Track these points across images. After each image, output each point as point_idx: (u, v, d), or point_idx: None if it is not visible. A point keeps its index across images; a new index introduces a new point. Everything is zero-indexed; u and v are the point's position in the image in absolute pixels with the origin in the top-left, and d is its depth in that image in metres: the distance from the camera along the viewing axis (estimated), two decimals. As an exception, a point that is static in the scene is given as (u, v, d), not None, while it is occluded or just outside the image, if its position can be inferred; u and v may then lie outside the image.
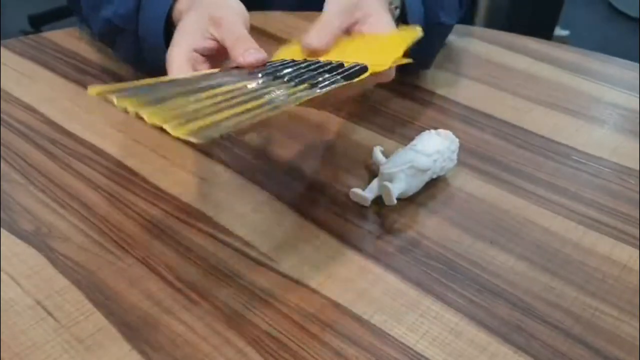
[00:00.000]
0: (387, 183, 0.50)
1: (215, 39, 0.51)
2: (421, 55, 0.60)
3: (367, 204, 0.52)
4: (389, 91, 0.71)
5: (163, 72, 0.50)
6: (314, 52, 0.51)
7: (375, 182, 0.53)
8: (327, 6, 0.54)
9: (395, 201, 0.50)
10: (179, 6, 0.57)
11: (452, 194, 0.55)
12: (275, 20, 0.84)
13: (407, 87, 0.72)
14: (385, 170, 0.52)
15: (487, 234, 0.51)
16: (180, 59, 0.50)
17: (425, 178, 0.53)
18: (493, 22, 2.61)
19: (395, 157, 0.53)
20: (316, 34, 0.52)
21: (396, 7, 0.60)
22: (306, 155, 0.59)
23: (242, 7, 0.54)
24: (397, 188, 0.51)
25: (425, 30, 0.59)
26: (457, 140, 0.56)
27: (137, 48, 0.62)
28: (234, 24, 0.51)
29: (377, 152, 0.55)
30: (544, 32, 2.37)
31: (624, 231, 0.52)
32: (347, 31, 0.54)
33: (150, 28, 0.58)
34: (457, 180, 0.57)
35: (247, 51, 0.49)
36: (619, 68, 0.81)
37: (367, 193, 0.52)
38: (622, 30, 3.00)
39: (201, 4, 0.54)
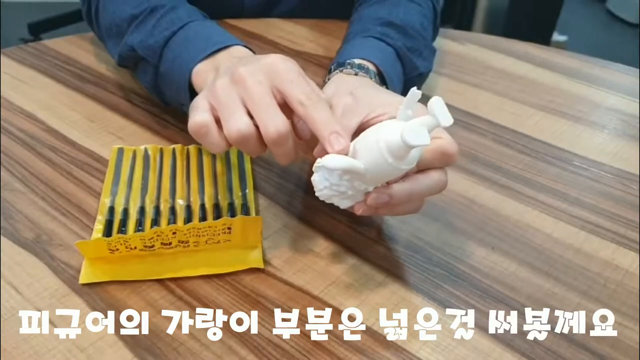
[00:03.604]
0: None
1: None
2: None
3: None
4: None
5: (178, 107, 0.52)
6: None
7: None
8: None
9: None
10: (203, 67, 0.54)
11: (453, 200, 0.55)
12: (275, 27, 0.84)
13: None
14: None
15: (488, 239, 0.51)
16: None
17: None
18: (491, 28, 2.62)
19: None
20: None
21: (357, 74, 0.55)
22: (306, 162, 0.59)
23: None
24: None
25: (405, 84, 0.59)
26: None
27: (155, 79, 0.61)
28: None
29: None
30: (542, 37, 2.38)
31: (625, 236, 0.52)
32: None
33: (175, 75, 0.57)
34: (458, 186, 0.57)
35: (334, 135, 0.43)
36: (619, 73, 0.81)
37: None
38: (620, 36, 3.02)
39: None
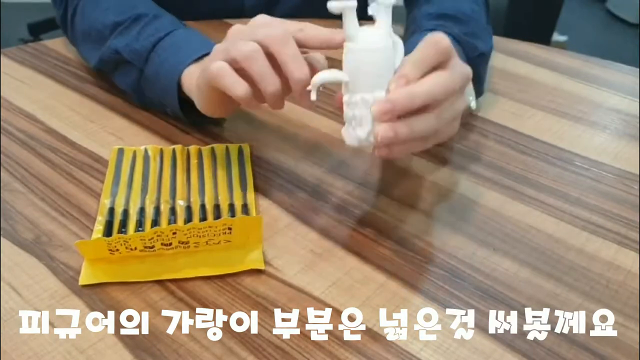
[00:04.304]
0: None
1: None
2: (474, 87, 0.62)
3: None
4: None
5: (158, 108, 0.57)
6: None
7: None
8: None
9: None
10: (194, 69, 0.58)
11: (454, 201, 0.55)
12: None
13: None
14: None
15: (490, 240, 0.51)
16: None
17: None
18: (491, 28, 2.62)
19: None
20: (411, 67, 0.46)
21: None
22: (307, 162, 0.59)
23: None
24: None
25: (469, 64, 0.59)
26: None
27: (138, 82, 0.63)
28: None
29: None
30: (542, 37, 2.38)
31: (627, 236, 0.52)
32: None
33: (163, 78, 0.60)
34: (459, 186, 0.56)
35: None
36: (619, 73, 0.81)
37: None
38: (620, 36, 3.01)
39: None
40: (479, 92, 0.69)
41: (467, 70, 0.50)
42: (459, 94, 0.48)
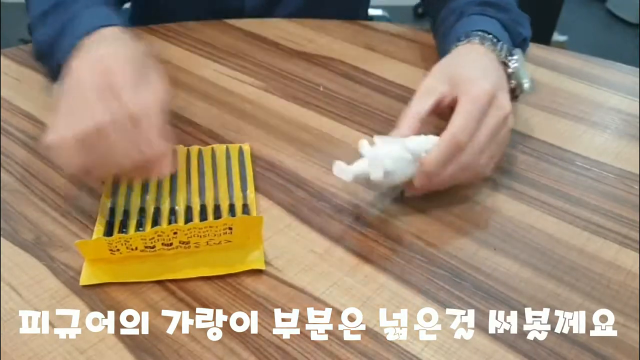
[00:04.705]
0: (375, 152, 0.49)
1: None
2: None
3: (349, 178, 0.49)
4: (393, 98, 0.70)
5: None
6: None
7: (362, 160, 0.50)
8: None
9: (382, 175, 0.48)
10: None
11: (455, 201, 0.55)
12: (276, 27, 0.84)
13: (409, 93, 0.71)
14: (381, 139, 0.50)
15: (491, 240, 0.51)
16: None
17: (413, 169, 0.50)
18: (491, 28, 2.61)
19: (388, 138, 0.51)
20: (405, 123, 0.53)
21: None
22: (308, 163, 0.59)
23: None
24: (387, 164, 0.49)
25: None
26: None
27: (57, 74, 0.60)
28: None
29: (365, 143, 0.51)
30: (542, 37, 2.38)
31: (628, 236, 0.52)
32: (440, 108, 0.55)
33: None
34: (460, 187, 0.56)
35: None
36: (620, 73, 0.81)
37: (355, 166, 0.49)
38: (620, 36, 3.01)
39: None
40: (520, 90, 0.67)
41: (504, 111, 0.53)
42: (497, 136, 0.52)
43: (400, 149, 0.50)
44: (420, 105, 0.54)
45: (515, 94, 0.61)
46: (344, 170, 0.49)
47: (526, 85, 0.61)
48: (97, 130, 0.44)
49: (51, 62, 0.60)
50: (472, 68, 0.56)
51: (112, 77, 0.46)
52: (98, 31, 0.54)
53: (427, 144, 0.51)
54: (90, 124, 0.44)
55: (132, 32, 0.55)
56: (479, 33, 0.60)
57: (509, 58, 0.60)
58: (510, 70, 0.59)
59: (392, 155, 0.49)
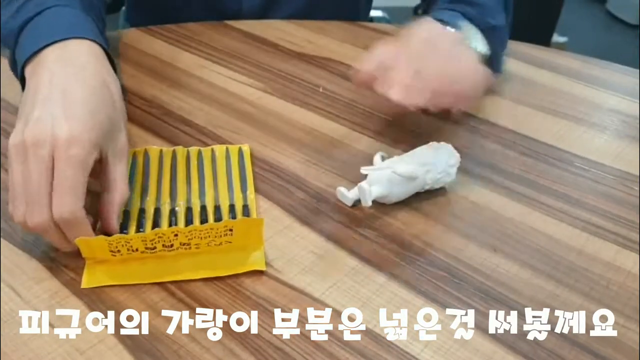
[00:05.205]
0: (363, 183, 0.50)
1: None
2: (488, 62, 0.64)
3: (349, 203, 0.53)
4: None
5: None
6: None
7: (357, 187, 0.52)
8: None
9: (370, 203, 0.50)
10: (30, 67, 0.53)
11: (455, 202, 0.55)
12: (275, 28, 0.84)
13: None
14: (367, 171, 0.52)
15: (490, 241, 0.51)
16: None
17: (413, 187, 0.53)
18: (491, 29, 2.62)
19: (385, 162, 0.53)
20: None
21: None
22: (307, 163, 0.59)
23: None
24: (375, 190, 0.50)
25: (484, 35, 0.66)
26: (457, 155, 0.55)
27: (12, 62, 0.59)
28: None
29: (378, 157, 0.55)
30: (542, 38, 2.38)
31: (627, 237, 0.52)
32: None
33: (18, 67, 0.56)
34: (460, 188, 0.56)
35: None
36: (619, 74, 0.81)
37: (351, 193, 0.52)
38: (620, 37, 3.01)
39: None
40: (496, 69, 0.70)
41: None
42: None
43: (389, 173, 0.51)
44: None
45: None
46: (344, 195, 0.53)
47: (480, 50, 0.64)
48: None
49: (11, 54, 0.59)
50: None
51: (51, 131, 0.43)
52: (59, 44, 0.52)
53: (413, 162, 0.53)
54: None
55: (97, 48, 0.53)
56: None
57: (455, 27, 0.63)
58: (454, 30, 0.63)
59: (381, 180, 0.51)
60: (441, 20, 0.63)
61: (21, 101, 0.48)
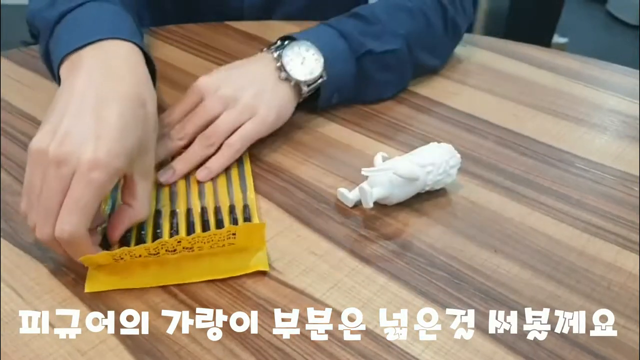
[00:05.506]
0: (364, 185, 0.50)
1: None
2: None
3: (350, 204, 0.53)
4: (392, 99, 0.70)
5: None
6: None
7: (358, 188, 0.52)
8: None
9: (371, 204, 0.50)
10: (67, 64, 0.51)
11: (455, 202, 0.55)
12: (275, 29, 0.84)
13: (408, 95, 0.72)
14: (368, 173, 0.52)
15: (491, 242, 0.51)
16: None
17: (414, 188, 0.53)
18: (492, 30, 2.62)
19: (386, 163, 0.53)
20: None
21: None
22: (307, 164, 0.59)
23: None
24: (376, 192, 0.50)
25: (359, 60, 0.64)
26: (457, 155, 0.55)
27: (47, 54, 0.59)
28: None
29: (379, 157, 0.55)
30: (543, 39, 2.38)
31: (628, 238, 0.52)
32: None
33: (54, 60, 0.55)
34: (460, 188, 0.57)
35: None
36: (619, 75, 0.81)
37: (351, 194, 0.53)
38: (620, 38, 3.01)
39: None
40: (374, 94, 0.69)
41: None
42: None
43: (390, 175, 0.51)
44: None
45: (302, 93, 0.61)
46: (345, 196, 0.53)
47: (308, 77, 0.61)
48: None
49: (44, 45, 0.59)
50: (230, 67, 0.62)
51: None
52: (98, 44, 0.51)
53: (414, 163, 0.52)
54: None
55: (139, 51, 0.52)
56: (293, 39, 0.62)
57: (283, 64, 0.60)
58: (283, 75, 0.60)
59: (382, 182, 0.51)
60: (303, 40, 0.61)
61: (54, 98, 0.47)
